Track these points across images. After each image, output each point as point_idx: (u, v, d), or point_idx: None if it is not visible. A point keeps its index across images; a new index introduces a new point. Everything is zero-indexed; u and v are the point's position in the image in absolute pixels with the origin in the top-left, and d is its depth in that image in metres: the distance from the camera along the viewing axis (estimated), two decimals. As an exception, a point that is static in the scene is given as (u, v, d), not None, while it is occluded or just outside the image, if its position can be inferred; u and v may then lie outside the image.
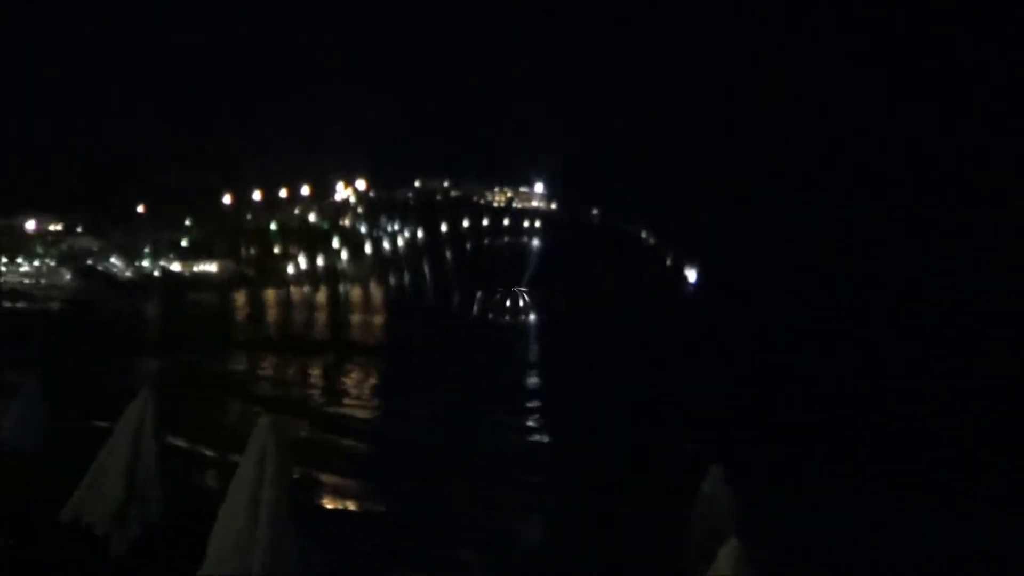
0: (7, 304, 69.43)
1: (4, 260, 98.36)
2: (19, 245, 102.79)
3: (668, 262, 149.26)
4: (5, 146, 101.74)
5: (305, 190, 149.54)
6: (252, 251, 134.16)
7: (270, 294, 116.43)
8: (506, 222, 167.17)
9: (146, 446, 8.32)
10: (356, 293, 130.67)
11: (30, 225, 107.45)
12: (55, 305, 75.51)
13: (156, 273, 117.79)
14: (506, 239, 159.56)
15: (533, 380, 40.81)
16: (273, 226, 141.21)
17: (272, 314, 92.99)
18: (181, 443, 14.45)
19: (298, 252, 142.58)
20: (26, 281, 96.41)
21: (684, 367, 42.35)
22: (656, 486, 14.16)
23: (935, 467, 19.20)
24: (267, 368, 41.69)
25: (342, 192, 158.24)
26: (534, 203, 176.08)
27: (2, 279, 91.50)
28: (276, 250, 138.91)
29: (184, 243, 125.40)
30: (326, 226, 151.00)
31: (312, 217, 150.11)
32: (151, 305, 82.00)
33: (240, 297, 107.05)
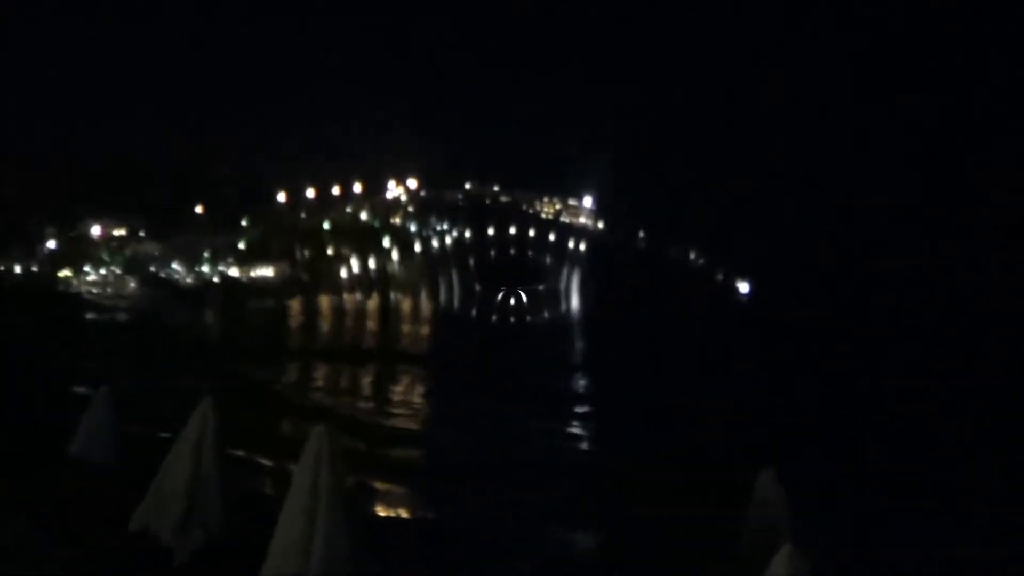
0: (78, 315, 70.90)
1: (73, 271, 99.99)
2: (86, 252, 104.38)
3: (719, 278, 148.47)
4: (59, 151, 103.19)
5: (357, 187, 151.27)
6: (306, 252, 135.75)
7: (324, 301, 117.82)
8: (552, 237, 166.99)
9: (207, 456, 8.66)
10: (406, 301, 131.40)
11: (95, 230, 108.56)
12: (122, 315, 76.98)
13: (215, 279, 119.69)
14: (550, 257, 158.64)
15: (581, 388, 40.82)
16: (326, 225, 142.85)
17: (326, 322, 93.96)
18: (240, 452, 14.81)
19: (350, 253, 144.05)
20: (94, 290, 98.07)
21: (732, 374, 42.02)
22: (708, 490, 14.20)
23: (988, 475, 18.89)
24: (321, 377, 42.22)
25: (393, 190, 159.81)
26: (581, 219, 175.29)
27: (72, 290, 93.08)
28: (329, 251, 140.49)
29: (241, 245, 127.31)
30: (377, 224, 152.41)
31: (364, 215, 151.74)
32: (211, 313, 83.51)
33: (295, 305, 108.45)
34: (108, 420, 11.29)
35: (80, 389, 19.48)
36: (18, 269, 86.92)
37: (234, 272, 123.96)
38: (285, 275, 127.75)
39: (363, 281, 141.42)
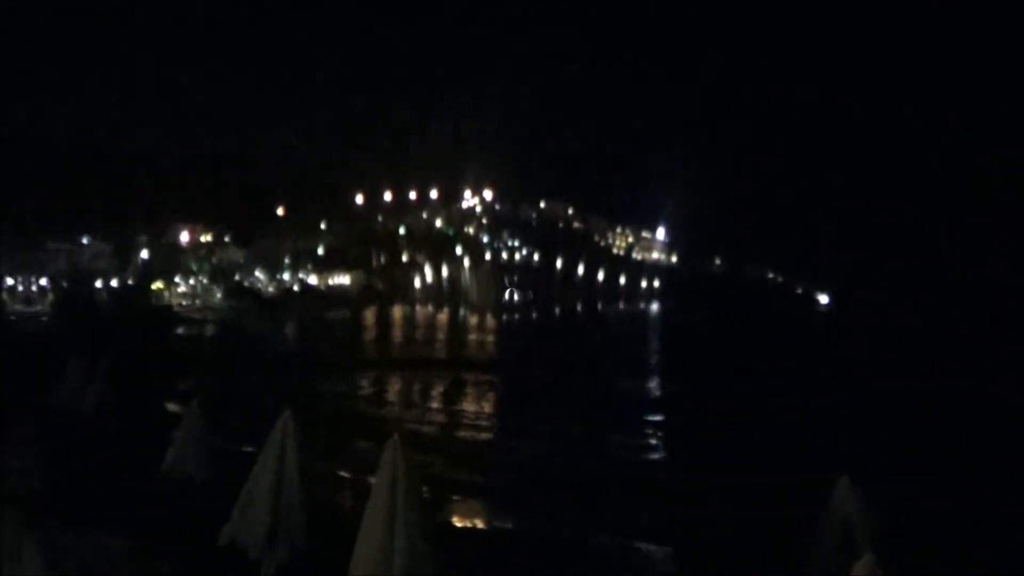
0: (169, 330, 72.70)
1: (164, 282, 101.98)
2: (176, 261, 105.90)
3: (798, 292, 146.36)
4: (145, 159, 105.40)
5: (434, 194, 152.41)
6: (382, 259, 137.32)
7: (397, 312, 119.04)
8: (623, 280, 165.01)
9: (289, 471, 8.87)
10: (475, 313, 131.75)
11: (184, 237, 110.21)
12: (210, 328, 78.54)
13: (295, 287, 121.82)
14: (622, 305, 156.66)
15: (655, 398, 40.12)
16: (402, 230, 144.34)
17: (399, 330, 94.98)
18: (320, 465, 15.07)
19: (424, 261, 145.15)
20: (184, 303, 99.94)
21: (811, 382, 41.06)
22: (786, 498, 13.93)
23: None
24: (395, 387, 42.63)
25: (469, 200, 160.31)
26: (655, 254, 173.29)
27: (164, 302, 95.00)
28: (404, 258, 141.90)
29: (320, 250, 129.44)
30: (451, 232, 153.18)
31: (439, 222, 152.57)
32: (291, 325, 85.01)
33: (370, 315, 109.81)
34: (198, 437, 11.64)
35: (172, 406, 20.20)
36: (115, 283, 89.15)
37: (313, 280, 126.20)
38: (361, 283, 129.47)
39: (435, 292, 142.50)
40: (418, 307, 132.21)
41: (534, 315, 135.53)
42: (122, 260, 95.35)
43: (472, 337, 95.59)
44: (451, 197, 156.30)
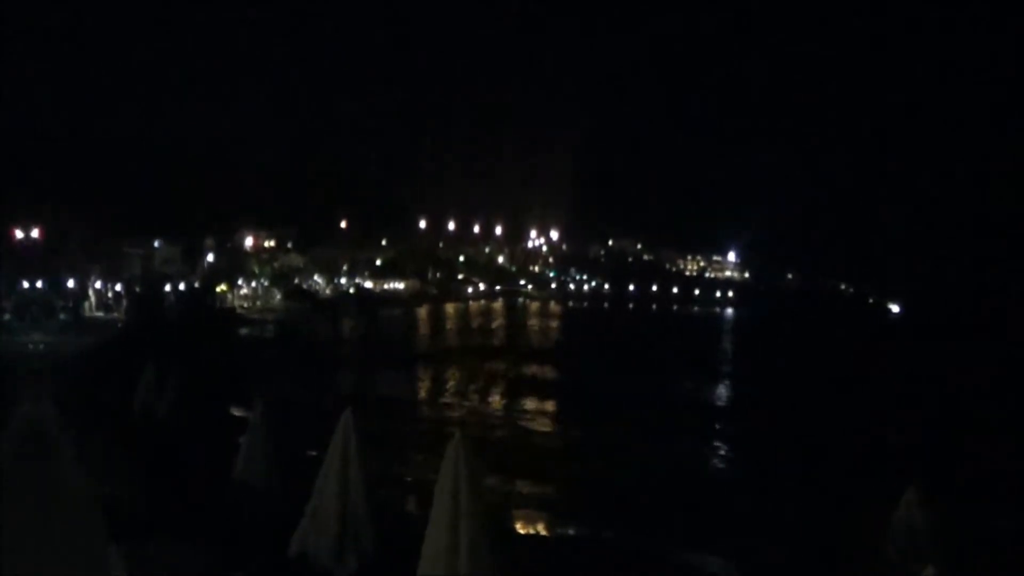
0: (232, 331, 73.53)
1: (228, 285, 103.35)
2: (239, 265, 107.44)
3: (870, 302, 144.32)
4: (218, 165, 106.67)
5: (498, 230, 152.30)
6: (438, 275, 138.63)
7: (450, 308, 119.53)
8: (697, 292, 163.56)
9: (354, 477, 8.64)
10: (534, 306, 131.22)
11: (248, 242, 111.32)
12: (270, 329, 79.18)
13: (351, 290, 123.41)
14: (696, 308, 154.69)
15: (723, 407, 38.89)
16: (461, 258, 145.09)
17: (452, 325, 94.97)
18: (382, 467, 14.92)
19: (479, 282, 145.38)
20: (245, 304, 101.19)
21: (883, 394, 39.49)
22: (851, 509, 13.38)
23: None
24: (452, 384, 42.28)
25: (535, 239, 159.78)
26: (727, 272, 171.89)
27: (227, 304, 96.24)
28: (460, 277, 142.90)
29: (378, 262, 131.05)
30: (514, 269, 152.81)
31: (501, 259, 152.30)
32: (348, 324, 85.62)
33: (423, 312, 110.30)
34: (264, 442, 11.51)
35: (238, 410, 20.22)
36: (182, 286, 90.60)
37: (368, 284, 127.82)
38: (415, 289, 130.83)
39: (488, 295, 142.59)
40: (471, 302, 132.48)
41: (605, 304, 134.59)
42: (190, 264, 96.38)
43: (533, 323, 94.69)
44: (516, 236, 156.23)
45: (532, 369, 48.46)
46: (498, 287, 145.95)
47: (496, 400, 37.62)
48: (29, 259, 66.65)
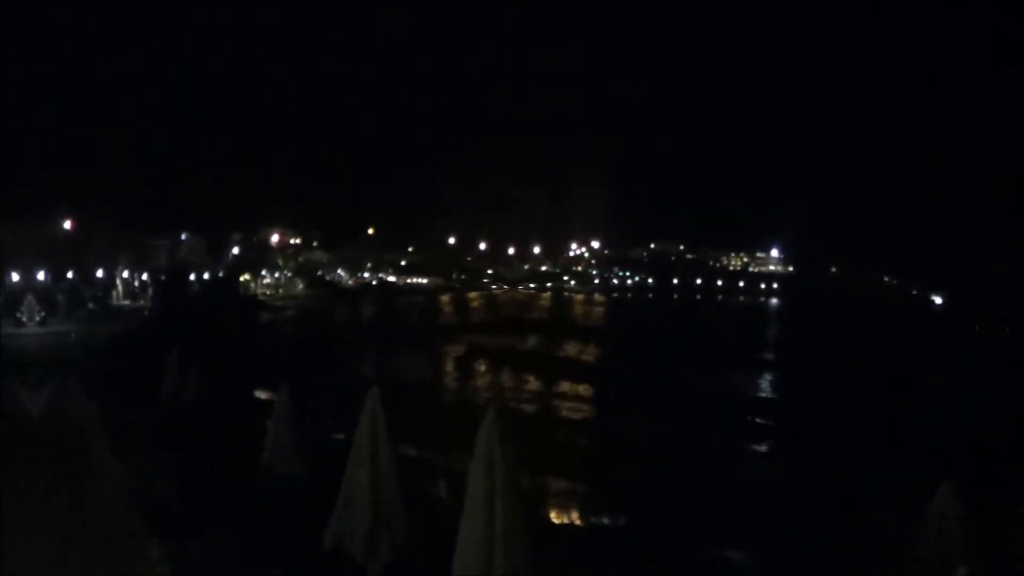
0: (254, 316, 73.66)
1: (251, 274, 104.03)
2: (263, 257, 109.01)
3: (913, 293, 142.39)
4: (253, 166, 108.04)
5: (536, 249, 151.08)
6: (462, 276, 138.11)
7: (473, 295, 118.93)
8: (741, 284, 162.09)
9: (385, 462, 8.04)
10: (579, 297, 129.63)
11: (274, 238, 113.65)
12: (291, 314, 79.46)
13: (374, 283, 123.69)
14: (742, 297, 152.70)
15: (760, 396, 37.11)
16: (490, 272, 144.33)
17: (475, 309, 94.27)
18: (411, 451, 14.27)
19: (504, 283, 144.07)
20: (267, 292, 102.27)
21: (923, 386, 37.42)
22: (886, 506, 12.56)
23: None
24: (479, 366, 41.33)
25: (576, 249, 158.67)
26: (771, 267, 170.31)
27: (249, 292, 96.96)
28: (485, 280, 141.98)
29: (403, 263, 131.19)
30: (557, 271, 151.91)
31: (544, 267, 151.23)
32: (369, 309, 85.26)
33: (446, 300, 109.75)
34: (291, 426, 10.95)
35: (264, 393, 19.64)
36: (206, 275, 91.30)
37: (391, 279, 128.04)
38: (439, 284, 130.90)
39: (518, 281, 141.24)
40: (496, 291, 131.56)
41: (649, 295, 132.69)
42: (215, 256, 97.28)
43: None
44: (556, 251, 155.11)
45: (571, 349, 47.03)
46: (532, 285, 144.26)
47: (526, 381, 36.51)
48: (60, 251, 66.94)
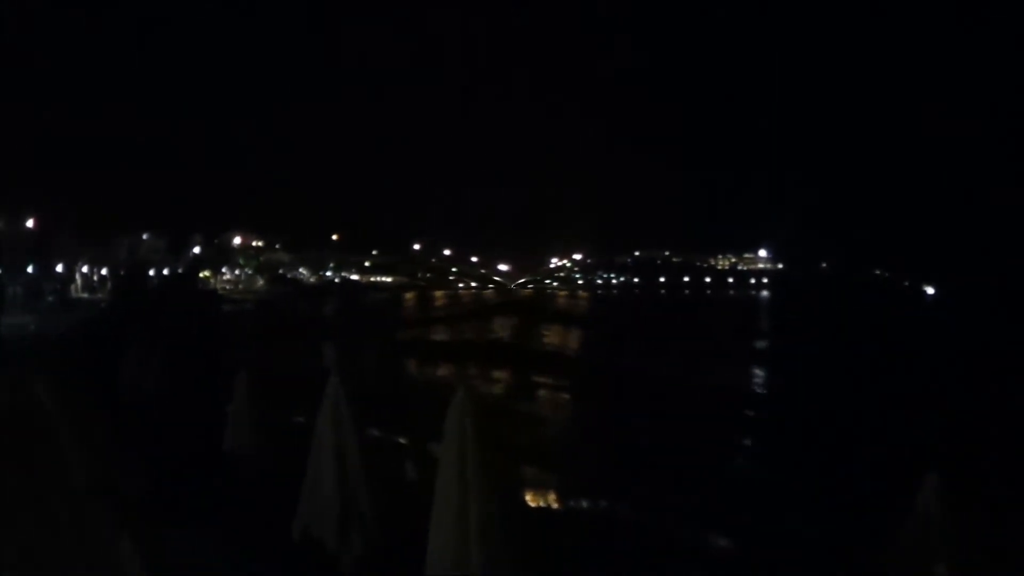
0: (212, 306, 72.50)
1: (211, 271, 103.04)
2: (224, 257, 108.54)
3: (905, 285, 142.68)
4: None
5: (504, 267, 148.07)
6: (428, 275, 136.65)
7: (439, 294, 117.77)
8: (730, 280, 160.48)
9: (349, 446, 7.35)
10: (562, 294, 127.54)
11: (236, 240, 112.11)
12: (250, 307, 78.31)
13: (336, 280, 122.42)
14: (731, 292, 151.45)
15: (750, 389, 34.77)
16: (454, 269, 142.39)
17: (438, 306, 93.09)
18: (377, 432, 13.46)
19: (472, 280, 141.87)
20: (227, 287, 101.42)
21: (912, 376, 36.65)
22: (868, 499, 12.07)
23: None
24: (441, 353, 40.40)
25: (555, 263, 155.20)
26: (760, 265, 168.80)
27: (208, 287, 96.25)
28: (451, 277, 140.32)
29: (367, 264, 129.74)
30: (538, 278, 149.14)
31: (521, 280, 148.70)
32: (331, 304, 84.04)
33: (409, 296, 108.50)
34: (250, 412, 10.19)
35: (224, 379, 18.59)
36: (166, 271, 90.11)
37: (355, 277, 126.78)
38: (403, 283, 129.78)
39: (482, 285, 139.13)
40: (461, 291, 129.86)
41: (636, 292, 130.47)
42: (175, 254, 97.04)
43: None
44: (531, 266, 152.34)
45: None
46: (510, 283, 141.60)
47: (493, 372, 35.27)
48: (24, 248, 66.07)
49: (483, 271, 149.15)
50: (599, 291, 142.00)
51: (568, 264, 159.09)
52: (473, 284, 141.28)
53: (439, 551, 6.05)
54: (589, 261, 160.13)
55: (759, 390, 34.18)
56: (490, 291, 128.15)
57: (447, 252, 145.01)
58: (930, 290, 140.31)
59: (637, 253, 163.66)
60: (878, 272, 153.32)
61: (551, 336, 49.63)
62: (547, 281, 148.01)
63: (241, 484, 9.66)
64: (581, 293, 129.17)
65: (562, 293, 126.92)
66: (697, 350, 43.81)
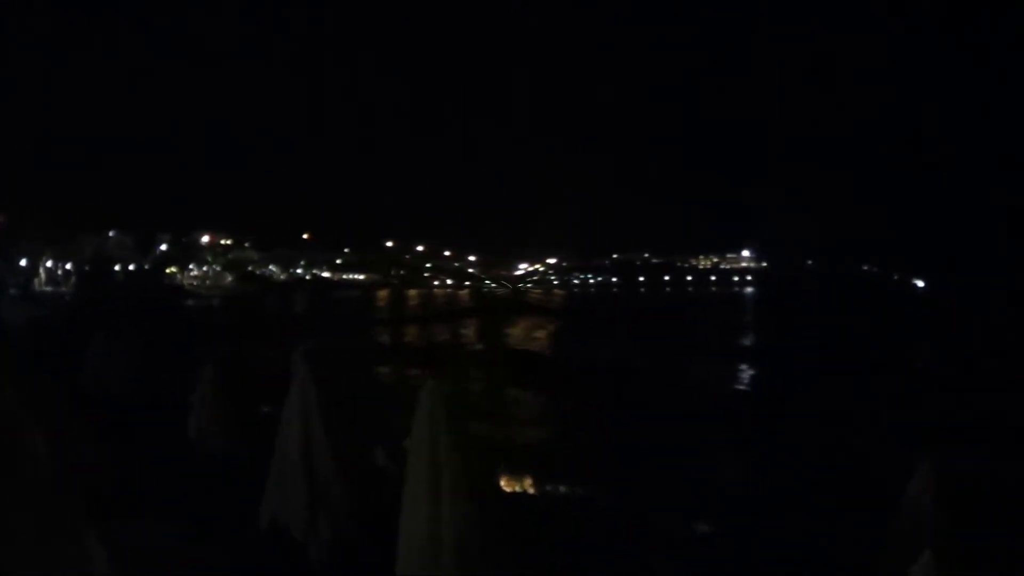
0: (179, 301, 71.64)
1: (178, 268, 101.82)
2: (192, 254, 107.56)
3: (894, 279, 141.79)
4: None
5: (472, 258, 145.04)
6: (401, 272, 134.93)
7: (413, 292, 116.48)
8: (713, 278, 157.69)
9: (316, 433, 7.09)
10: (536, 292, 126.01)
11: (204, 238, 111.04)
12: (216, 303, 77.45)
13: (307, 277, 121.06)
14: (714, 289, 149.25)
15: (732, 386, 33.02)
16: (428, 264, 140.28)
17: (411, 303, 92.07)
18: (348, 422, 13.09)
19: (449, 279, 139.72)
20: (195, 283, 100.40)
21: (905, 367, 35.68)
22: (860, 488, 11.86)
23: None
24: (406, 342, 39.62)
25: (526, 268, 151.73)
26: (743, 264, 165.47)
27: (175, 282, 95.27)
28: (426, 274, 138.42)
29: (339, 261, 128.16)
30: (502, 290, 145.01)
31: (491, 283, 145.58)
32: (301, 300, 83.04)
33: (382, 294, 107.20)
34: (215, 401, 9.86)
35: (188, 370, 18.06)
36: (132, 267, 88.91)
37: (326, 275, 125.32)
38: (376, 280, 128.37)
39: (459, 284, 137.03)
40: (437, 290, 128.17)
41: (615, 290, 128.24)
42: (142, 251, 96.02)
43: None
44: (500, 264, 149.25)
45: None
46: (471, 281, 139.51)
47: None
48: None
49: (456, 264, 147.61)
50: (575, 290, 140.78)
51: (541, 269, 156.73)
52: (449, 282, 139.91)
53: (411, 532, 5.80)
54: (565, 264, 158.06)
55: (738, 386, 33.32)
56: (465, 291, 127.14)
57: (420, 248, 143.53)
58: (920, 284, 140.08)
59: (616, 256, 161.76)
60: (866, 268, 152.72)
61: (521, 332, 49.24)
62: (520, 285, 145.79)
63: (207, 473, 9.31)
64: (557, 292, 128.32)
65: (536, 292, 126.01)
66: (674, 344, 43.64)
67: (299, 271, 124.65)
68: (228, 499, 8.22)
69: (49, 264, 76.80)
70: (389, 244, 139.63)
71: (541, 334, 48.11)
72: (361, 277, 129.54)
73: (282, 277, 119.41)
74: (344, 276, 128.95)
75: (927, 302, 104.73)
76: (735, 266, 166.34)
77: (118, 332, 16.20)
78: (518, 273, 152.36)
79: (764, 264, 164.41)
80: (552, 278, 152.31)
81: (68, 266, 79.56)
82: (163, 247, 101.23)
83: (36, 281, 70.22)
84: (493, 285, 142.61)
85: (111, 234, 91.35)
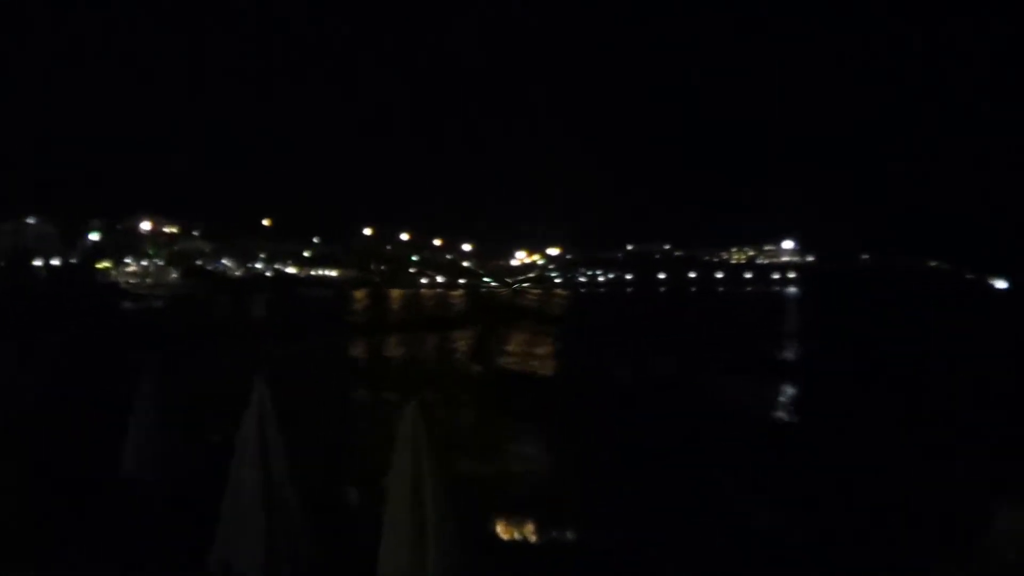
0: (114, 305, 71.68)
1: (112, 262, 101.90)
2: (129, 245, 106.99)
3: (969, 277, 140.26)
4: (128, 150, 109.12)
5: (466, 247, 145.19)
6: (383, 267, 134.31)
7: (396, 293, 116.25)
8: (748, 276, 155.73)
9: (277, 466, 7.22)
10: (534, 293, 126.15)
11: (144, 226, 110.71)
12: (158, 303, 77.43)
13: (268, 274, 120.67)
14: (749, 288, 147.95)
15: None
16: (415, 257, 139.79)
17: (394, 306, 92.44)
18: (311, 449, 13.26)
19: (437, 275, 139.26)
20: (132, 281, 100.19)
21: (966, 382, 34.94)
22: (931, 520, 11.96)
23: None
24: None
25: (523, 259, 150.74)
26: (784, 258, 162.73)
27: (109, 280, 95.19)
28: (412, 269, 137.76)
29: (307, 254, 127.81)
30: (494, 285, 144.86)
31: (485, 278, 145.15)
32: (260, 302, 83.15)
33: (359, 295, 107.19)
34: (154, 427, 9.95)
35: (121, 386, 18.17)
36: (56, 261, 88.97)
37: (292, 270, 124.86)
38: (352, 277, 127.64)
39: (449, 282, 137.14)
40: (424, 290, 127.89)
41: (628, 290, 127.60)
42: (69, 242, 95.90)
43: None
44: (495, 256, 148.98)
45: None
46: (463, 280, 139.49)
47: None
48: None
49: (448, 256, 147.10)
50: (582, 289, 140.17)
51: (541, 262, 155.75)
52: (439, 279, 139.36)
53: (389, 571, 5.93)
54: (568, 257, 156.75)
55: (778, 412, 33.41)
56: (458, 292, 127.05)
57: (404, 237, 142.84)
58: (1001, 284, 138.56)
59: (630, 247, 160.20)
60: (934, 264, 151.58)
61: (518, 347, 49.60)
62: (516, 285, 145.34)
63: (144, 512, 9.45)
64: (558, 291, 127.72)
65: (534, 292, 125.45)
66: (702, 360, 43.74)
67: (259, 266, 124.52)
68: (170, 541, 8.35)
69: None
70: (367, 232, 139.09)
71: (542, 350, 48.44)
72: (334, 274, 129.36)
73: (238, 273, 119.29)
74: (313, 272, 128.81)
75: (1009, 306, 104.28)
76: (775, 260, 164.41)
77: (37, 342, 16.42)
78: (514, 264, 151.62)
79: (810, 258, 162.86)
80: (553, 274, 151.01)
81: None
82: (94, 237, 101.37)
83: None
84: (492, 284, 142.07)
85: (30, 221, 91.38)
